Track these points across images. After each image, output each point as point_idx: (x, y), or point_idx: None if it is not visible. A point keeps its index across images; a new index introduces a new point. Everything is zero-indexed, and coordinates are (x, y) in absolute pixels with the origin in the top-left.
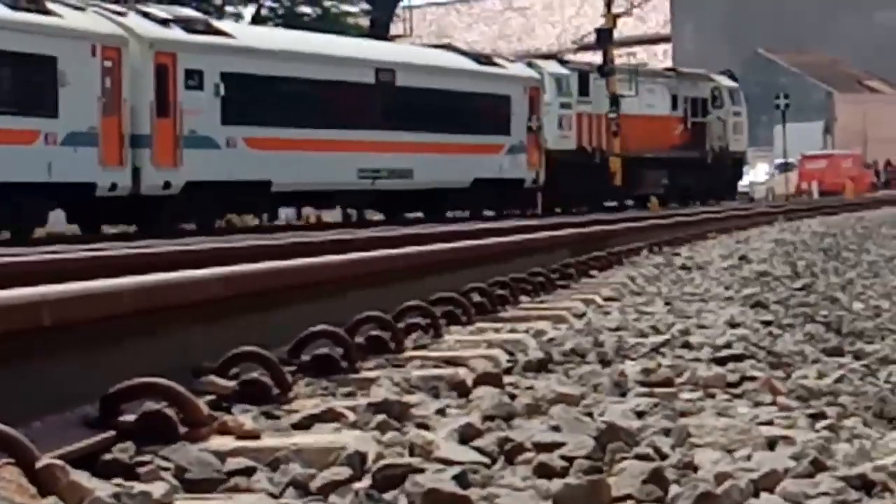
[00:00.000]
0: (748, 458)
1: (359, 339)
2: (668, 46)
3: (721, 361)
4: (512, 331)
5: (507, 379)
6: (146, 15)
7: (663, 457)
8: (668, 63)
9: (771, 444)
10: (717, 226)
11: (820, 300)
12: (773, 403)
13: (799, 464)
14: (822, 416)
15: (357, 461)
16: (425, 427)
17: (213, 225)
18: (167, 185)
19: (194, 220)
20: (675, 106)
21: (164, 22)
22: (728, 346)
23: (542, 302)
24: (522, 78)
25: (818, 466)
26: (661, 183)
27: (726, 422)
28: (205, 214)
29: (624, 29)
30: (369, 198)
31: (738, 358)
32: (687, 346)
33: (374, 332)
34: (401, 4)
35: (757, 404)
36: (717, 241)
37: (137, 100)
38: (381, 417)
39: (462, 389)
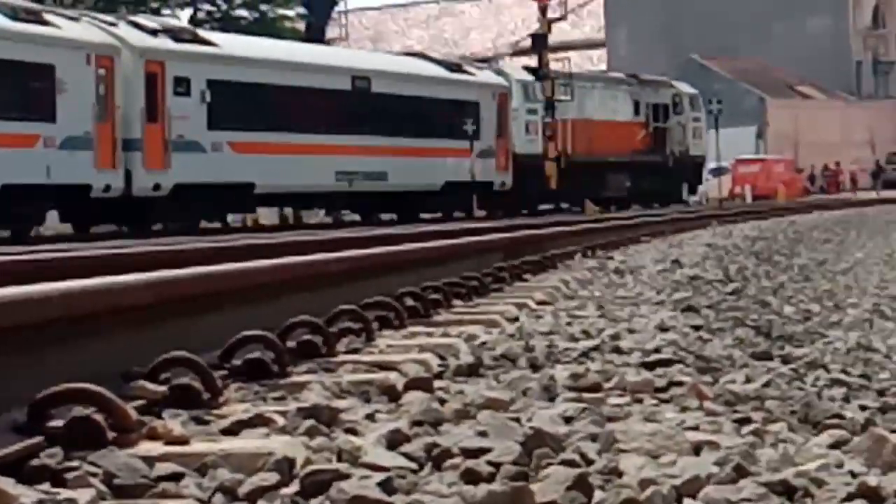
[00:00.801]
0: (673, 463)
1: (291, 344)
2: (602, 51)
3: (650, 366)
4: (444, 335)
5: (437, 384)
6: (136, 25)
7: (589, 462)
8: (602, 68)
9: (696, 449)
10: (651, 229)
11: (751, 304)
12: (700, 408)
13: (722, 469)
14: (748, 421)
15: (285, 467)
16: (354, 432)
17: (198, 225)
18: (157, 186)
19: (182, 220)
20: (637, 112)
21: (153, 32)
22: (657, 350)
23: (475, 306)
24: (491, 85)
25: (741, 472)
26: (624, 186)
27: (653, 427)
28: (192, 215)
29: (559, 34)
30: (346, 199)
31: (667, 363)
32: (617, 350)
33: (306, 337)
34: (337, 9)
35: (684, 409)
36: (651, 244)
37: (129, 106)
38: (310, 422)
39: (392, 394)
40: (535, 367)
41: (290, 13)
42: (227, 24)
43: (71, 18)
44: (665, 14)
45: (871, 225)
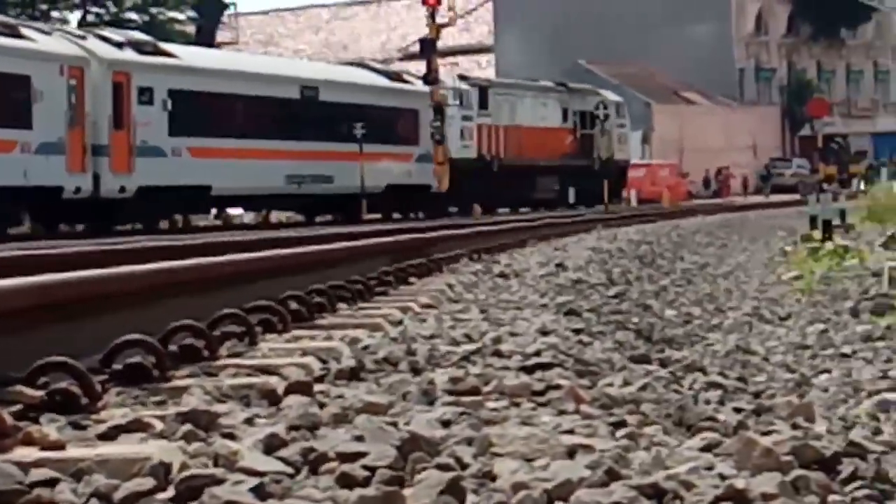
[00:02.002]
0: (546, 467)
1: (172, 348)
2: (491, 56)
3: (529, 370)
4: (327, 338)
5: (318, 387)
6: (104, 38)
7: (464, 466)
8: (491, 72)
9: (570, 452)
10: (536, 233)
11: (633, 307)
12: (577, 412)
13: (594, 473)
14: (623, 424)
15: (161, 472)
16: (232, 437)
17: (157, 224)
18: (122, 189)
19: (145, 220)
20: (565, 118)
21: (119, 45)
22: (538, 354)
23: (360, 309)
24: (429, 93)
25: (613, 475)
26: (552, 188)
27: (528, 430)
28: (154, 216)
29: (448, 39)
30: (296, 201)
31: (547, 366)
32: (498, 354)
33: (188, 341)
34: (227, 12)
35: (561, 413)
36: (537, 248)
37: (97, 114)
38: (187, 427)
39: (273, 398)
40: (415, 370)
41: (181, 16)
42: (117, 26)
43: (44, 32)
44: (553, 20)
45: (752, 229)
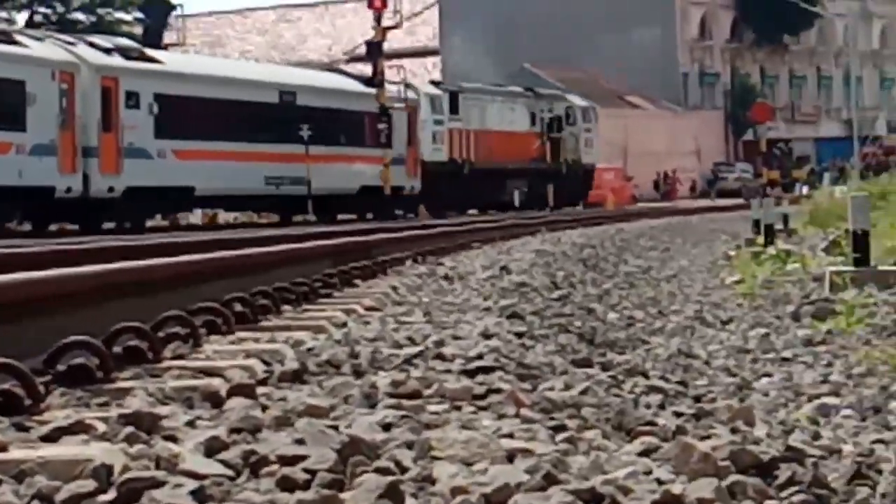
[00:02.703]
0: (485, 471)
1: (117, 349)
2: (437, 59)
3: (471, 373)
4: (271, 340)
5: (261, 390)
6: (93, 45)
7: (403, 470)
8: (437, 75)
9: (510, 457)
10: (481, 236)
11: (576, 311)
12: (517, 416)
13: (532, 477)
14: (563, 428)
15: (103, 474)
16: (173, 439)
17: (144, 224)
18: (111, 189)
19: (132, 219)
20: (533, 122)
21: (107, 51)
22: (480, 357)
23: (304, 311)
24: (401, 98)
25: (551, 480)
26: (521, 190)
27: (468, 434)
28: (140, 215)
29: (394, 41)
30: (274, 202)
31: (488, 370)
32: (440, 357)
33: (132, 342)
34: (174, 14)
35: (501, 417)
36: (482, 251)
37: (87, 117)
38: (130, 429)
39: (215, 400)
40: (358, 373)
41: (128, 17)
42: (65, 27)
43: (37, 39)
44: (498, 23)
45: (696, 233)
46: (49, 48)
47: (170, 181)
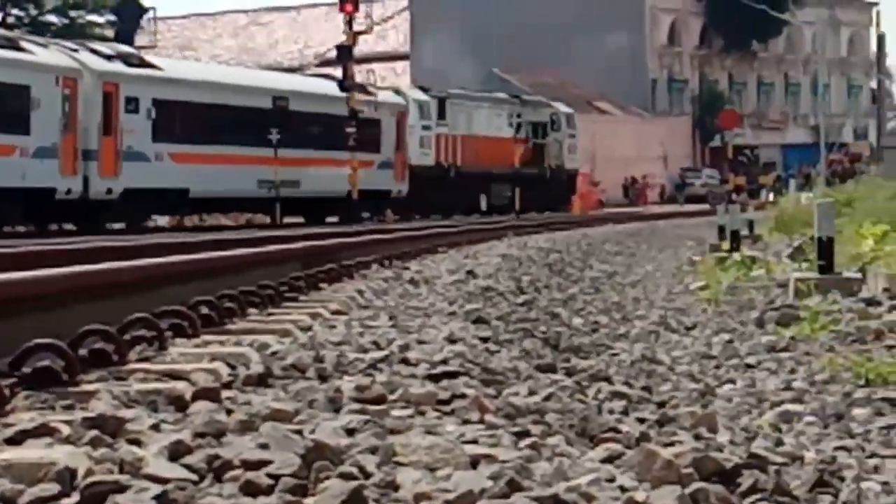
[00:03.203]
0: (448, 477)
1: (82, 352)
2: (407, 64)
3: (436, 378)
4: (237, 344)
5: (226, 393)
6: (94, 51)
7: (367, 476)
8: (407, 80)
9: (474, 463)
10: (448, 240)
11: (541, 315)
12: (481, 421)
13: (496, 484)
14: (527, 434)
15: (67, 477)
16: (137, 443)
17: (142, 224)
18: (109, 191)
19: (129, 221)
20: (518, 129)
21: (108, 57)
22: (444, 362)
23: (270, 315)
24: (390, 104)
25: (514, 487)
26: (506, 195)
27: (432, 440)
28: (137, 216)
29: (364, 46)
30: (266, 204)
31: (453, 375)
32: (405, 362)
33: (98, 345)
34: (146, 16)
35: (465, 422)
36: (448, 255)
37: (88, 121)
38: (94, 433)
39: (180, 404)
40: (323, 377)
41: (100, 20)
42: (37, 29)
43: (42, 45)
44: (469, 29)
45: (661, 238)
46: (53, 54)
47: (166, 183)
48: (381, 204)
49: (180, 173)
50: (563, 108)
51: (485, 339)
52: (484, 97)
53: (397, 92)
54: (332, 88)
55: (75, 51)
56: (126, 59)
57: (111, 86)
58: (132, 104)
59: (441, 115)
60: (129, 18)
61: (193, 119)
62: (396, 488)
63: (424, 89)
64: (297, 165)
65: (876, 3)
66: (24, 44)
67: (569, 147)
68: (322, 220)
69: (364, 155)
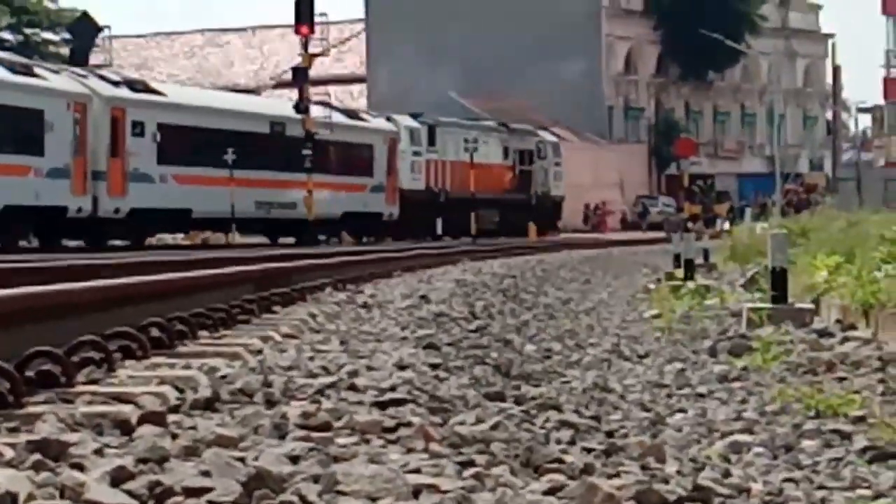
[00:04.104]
0: None
1: (29, 374)
2: (363, 87)
3: (383, 405)
4: (186, 367)
5: (172, 417)
6: (103, 77)
7: None
8: (363, 103)
9: (416, 492)
10: (403, 264)
11: (493, 342)
12: (426, 450)
13: None
14: (472, 464)
15: (8, 502)
16: (80, 468)
17: (144, 242)
18: (117, 210)
19: (134, 238)
20: (506, 156)
21: (115, 83)
22: (393, 389)
23: (221, 338)
24: (383, 130)
25: None
26: (493, 220)
27: (374, 469)
28: (142, 234)
29: (320, 68)
30: (264, 225)
31: (400, 402)
32: (353, 388)
33: (45, 367)
34: (101, 35)
35: (410, 451)
36: (402, 279)
37: (97, 144)
38: (37, 456)
39: (126, 428)
40: (270, 402)
41: (55, 38)
42: None
43: (54, 71)
44: (426, 53)
45: (617, 265)
46: (65, 80)
47: (170, 203)
48: (372, 226)
49: (183, 194)
50: (548, 136)
51: (435, 366)
52: (473, 125)
53: (389, 119)
54: (330, 115)
55: (84, 77)
56: (132, 85)
57: (118, 110)
58: (138, 128)
59: (431, 141)
60: (84, 36)
61: (196, 143)
62: None
63: (415, 116)
64: (292, 188)
65: (832, 35)
66: (38, 70)
67: (554, 174)
68: (317, 240)
69: (357, 179)
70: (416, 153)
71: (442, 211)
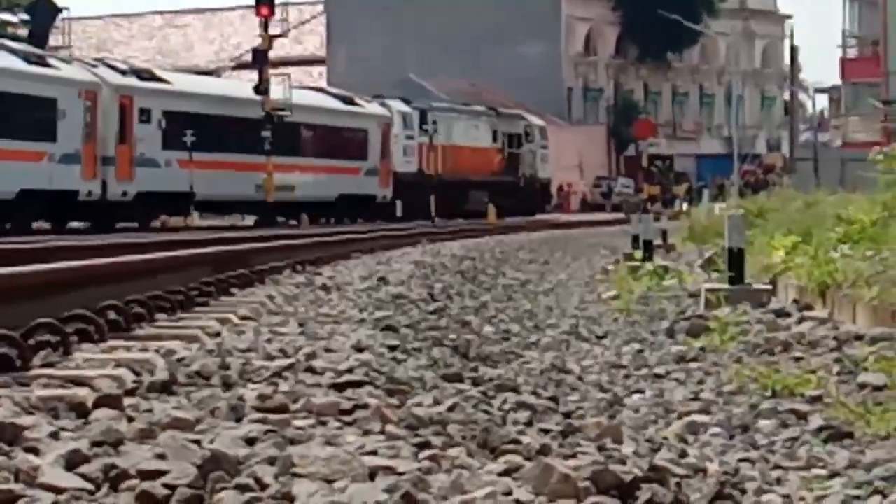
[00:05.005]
0: (344, 489)
1: None
2: (323, 68)
3: (340, 387)
4: (143, 350)
5: (128, 401)
6: (111, 67)
7: (263, 487)
8: (323, 84)
9: (372, 474)
10: (362, 246)
11: (451, 324)
12: (383, 432)
13: (391, 497)
14: (428, 445)
15: None
16: (35, 451)
17: (149, 224)
18: (125, 193)
19: (141, 220)
20: (495, 139)
21: (123, 72)
22: (350, 371)
23: (179, 320)
24: (377, 115)
25: (409, 500)
26: (483, 201)
27: (330, 451)
28: (148, 217)
29: (280, 49)
30: (263, 207)
31: (358, 384)
32: (311, 370)
33: (1, 350)
34: (60, 16)
35: (366, 433)
36: (361, 261)
37: (106, 130)
38: None
39: (81, 411)
40: (227, 385)
41: (13, 19)
42: None
43: (66, 62)
44: (385, 35)
45: (575, 247)
46: (76, 70)
47: (174, 187)
48: (367, 207)
49: (186, 178)
50: (535, 120)
51: (393, 348)
52: (463, 109)
53: (382, 104)
54: (325, 100)
55: (94, 66)
56: (139, 74)
57: (126, 98)
58: (145, 115)
59: (423, 125)
60: (42, 18)
61: (199, 129)
62: (292, 500)
63: (407, 101)
64: (290, 172)
65: (789, 16)
66: (51, 60)
67: (541, 157)
68: (316, 222)
69: (352, 162)
70: (408, 137)
71: (434, 192)
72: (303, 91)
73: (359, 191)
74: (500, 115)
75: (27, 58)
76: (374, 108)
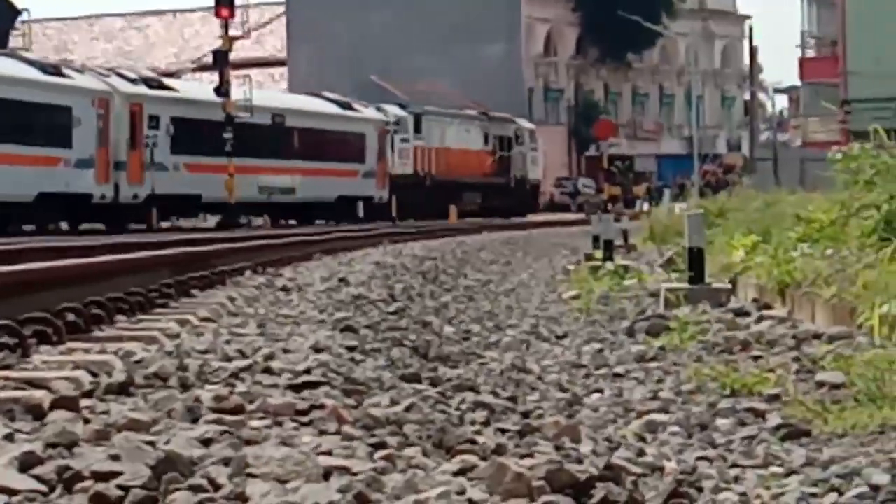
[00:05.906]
0: (298, 489)
1: None
2: (284, 70)
3: (297, 388)
4: (101, 351)
5: (85, 402)
6: (122, 76)
7: (217, 488)
8: (284, 86)
9: (326, 475)
10: (324, 247)
11: (411, 324)
12: (338, 433)
13: (344, 497)
14: (384, 445)
15: None
16: None
17: (160, 226)
18: (136, 196)
19: (150, 222)
20: (486, 142)
21: (133, 81)
22: (308, 371)
23: (138, 322)
24: (374, 119)
25: (363, 500)
26: (475, 202)
27: (285, 452)
28: (158, 218)
29: (241, 51)
30: (265, 208)
31: (315, 385)
32: (268, 371)
33: None
34: (20, 18)
35: (322, 433)
36: (322, 262)
37: (118, 136)
38: None
39: (38, 413)
40: (185, 386)
41: None
42: None
43: (79, 71)
44: (347, 36)
45: (537, 247)
46: (89, 79)
47: (182, 190)
48: (365, 207)
49: (194, 181)
50: (526, 124)
51: (351, 349)
52: (455, 113)
53: (379, 108)
54: (324, 106)
55: (106, 76)
56: (148, 83)
57: (137, 105)
58: (154, 121)
59: (417, 129)
60: (2, 19)
61: (205, 134)
62: (245, 501)
63: (403, 106)
64: (292, 174)
65: (748, 17)
66: (65, 70)
67: (531, 159)
68: (314, 222)
69: (351, 165)
70: (403, 140)
71: (428, 194)
72: (303, 97)
73: (357, 192)
74: (492, 118)
75: (44, 68)
76: (370, 112)
